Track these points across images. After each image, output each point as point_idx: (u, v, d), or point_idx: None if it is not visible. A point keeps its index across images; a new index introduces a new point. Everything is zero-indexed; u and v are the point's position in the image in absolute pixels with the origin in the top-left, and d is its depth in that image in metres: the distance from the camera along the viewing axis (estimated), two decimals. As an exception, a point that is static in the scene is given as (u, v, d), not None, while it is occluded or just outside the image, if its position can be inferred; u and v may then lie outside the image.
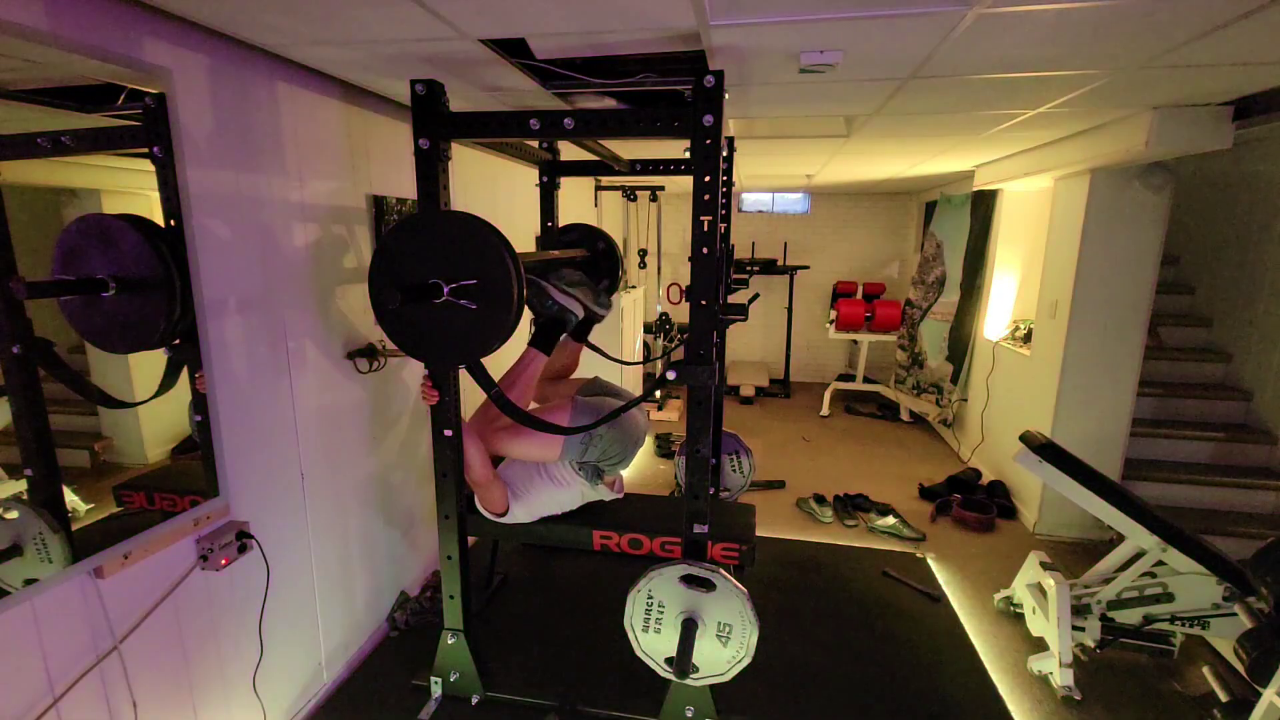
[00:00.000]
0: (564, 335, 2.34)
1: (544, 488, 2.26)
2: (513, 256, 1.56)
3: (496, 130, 1.73)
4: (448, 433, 1.88)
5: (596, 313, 2.33)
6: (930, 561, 3.09)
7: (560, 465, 2.24)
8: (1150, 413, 3.62)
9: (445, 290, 1.57)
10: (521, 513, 2.28)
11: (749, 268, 5.94)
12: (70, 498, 1.31)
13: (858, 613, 2.65)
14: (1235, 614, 2.08)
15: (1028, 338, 3.78)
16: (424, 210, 1.71)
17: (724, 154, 2.25)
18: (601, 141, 2.67)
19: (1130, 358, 3.16)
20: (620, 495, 2.44)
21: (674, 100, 2.08)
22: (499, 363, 1.98)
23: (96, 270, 1.34)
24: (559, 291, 2.18)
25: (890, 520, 3.41)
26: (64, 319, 1.35)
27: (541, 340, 2.17)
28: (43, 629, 1.24)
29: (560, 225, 2.84)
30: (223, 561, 1.59)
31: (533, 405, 2.30)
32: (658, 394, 5.34)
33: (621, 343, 4.62)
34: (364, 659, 2.31)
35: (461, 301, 1.58)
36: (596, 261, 2.74)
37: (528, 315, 2.59)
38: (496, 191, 3.24)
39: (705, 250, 1.63)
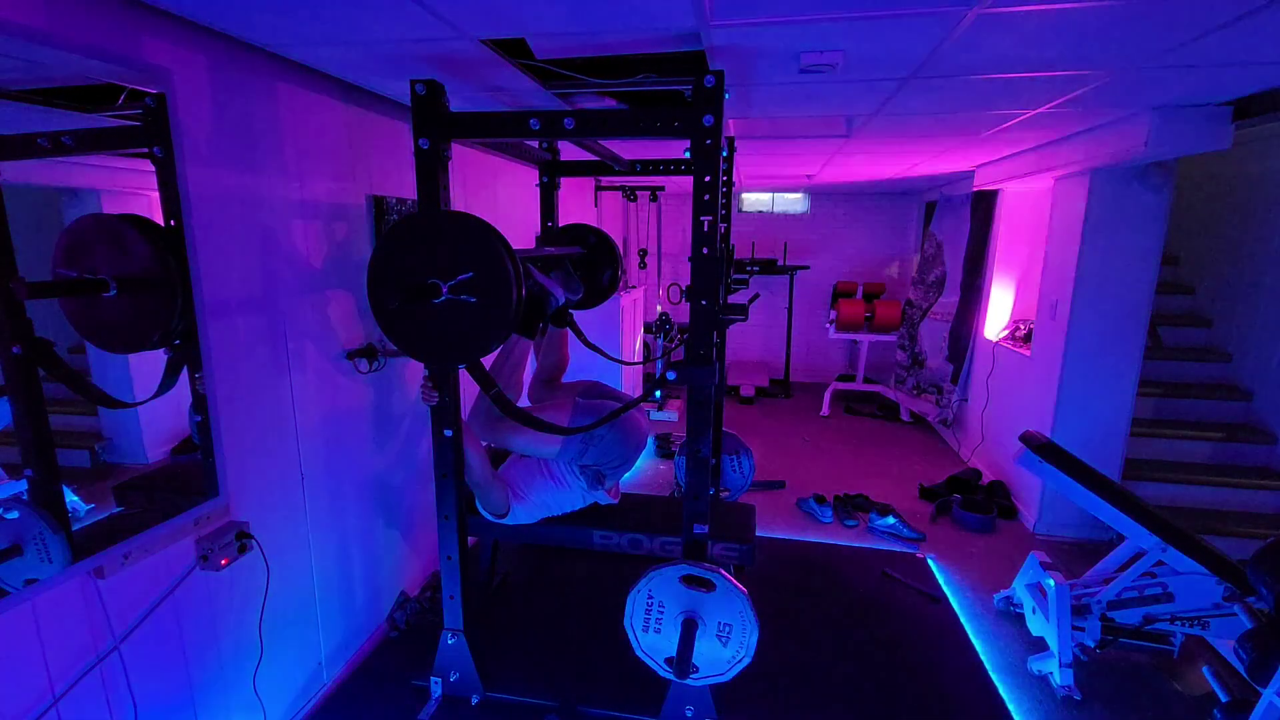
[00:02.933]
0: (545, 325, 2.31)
1: (546, 488, 2.25)
2: (511, 256, 1.57)
3: (496, 130, 1.73)
4: (448, 433, 1.88)
5: (569, 297, 2.32)
6: (930, 561, 3.09)
7: (561, 465, 2.23)
8: (1150, 413, 3.62)
9: (444, 290, 1.57)
10: (523, 513, 2.27)
11: (749, 268, 5.94)
12: (70, 498, 1.31)
13: (858, 613, 2.65)
14: (1235, 614, 2.08)
15: (1028, 338, 3.78)
16: (422, 212, 1.71)
17: (724, 154, 2.25)
18: (601, 141, 2.67)
19: (1130, 358, 3.16)
20: (615, 501, 2.43)
21: (674, 100, 2.08)
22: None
23: (98, 270, 1.34)
24: (540, 274, 2.15)
25: (890, 520, 3.41)
26: (65, 319, 1.35)
27: (520, 325, 2.11)
28: (43, 629, 1.24)
29: (560, 226, 2.84)
30: (223, 561, 1.59)
31: (525, 404, 2.27)
32: (658, 394, 5.34)
33: (621, 343, 4.62)
34: (364, 659, 2.31)
35: (461, 297, 1.58)
36: (593, 256, 2.73)
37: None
38: (497, 191, 3.24)
39: (705, 250, 1.63)
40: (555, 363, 2.56)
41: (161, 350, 1.48)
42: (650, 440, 4.71)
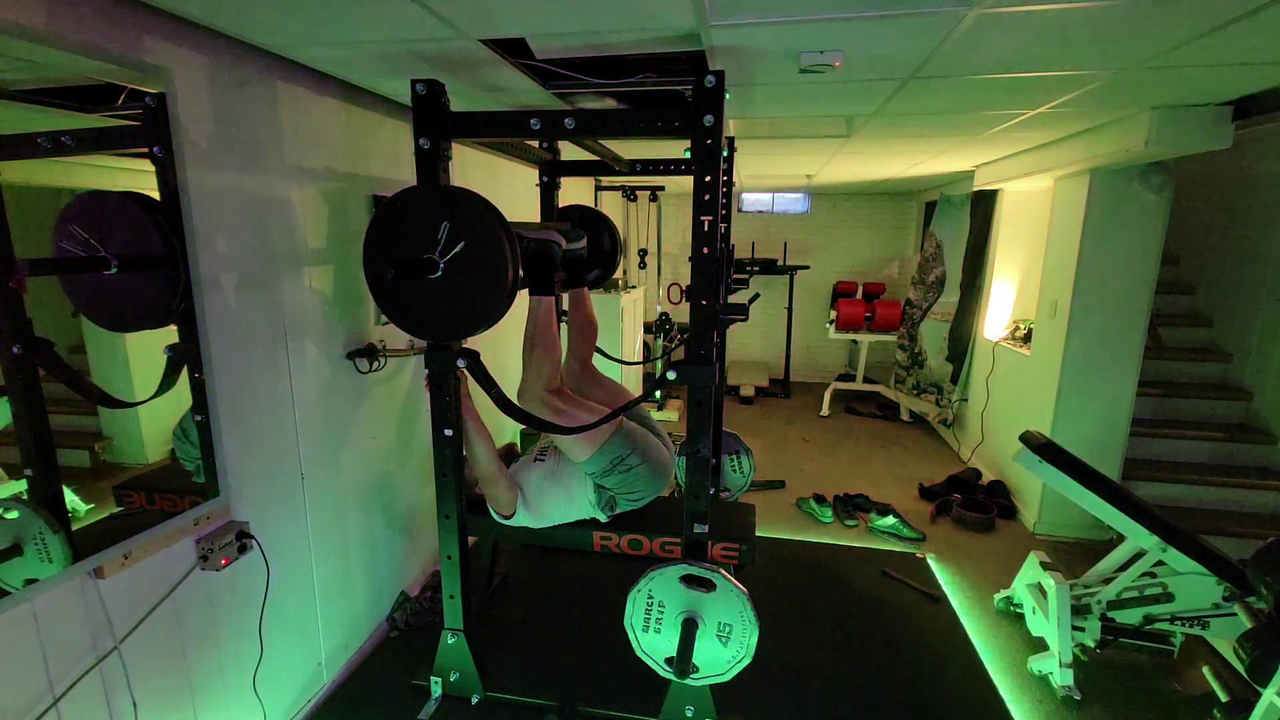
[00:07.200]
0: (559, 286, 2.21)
1: (556, 500, 2.21)
2: (505, 227, 1.57)
3: (496, 130, 1.73)
4: (448, 432, 1.88)
5: (572, 245, 2.27)
6: (930, 561, 3.09)
7: (578, 477, 2.18)
8: (1150, 413, 3.62)
9: (440, 265, 1.57)
10: (529, 520, 2.24)
11: (749, 268, 5.94)
12: (70, 498, 1.31)
13: (858, 613, 2.65)
14: (1235, 614, 2.08)
15: (1028, 338, 3.78)
16: (415, 187, 1.70)
17: (724, 154, 2.25)
18: (602, 141, 2.67)
19: (1130, 358, 3.16)
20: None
21: (674, 100, 2.08)
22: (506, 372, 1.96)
23: (99, 248, 1.33)
24: (529, 232, 2.09)
25: (890, 520, 3.41)
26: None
27: (536, 284, 2.03)
28: (43, 629, 1.24)
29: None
30: (223, 561, 1.59)
31: (564, 407, 2.15)
32: (658, 394, 5.34)
33: (622, 343, 4.62)
34: (364, 659, 2.31)
35: (452, 262, 1.57)
36: (582, 225, 2.70)
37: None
38: (497, 191, 3.24)
39: (705, 250, 1.63)
40: (582, 326, 2.48)
41: (162, 350, 1.48)
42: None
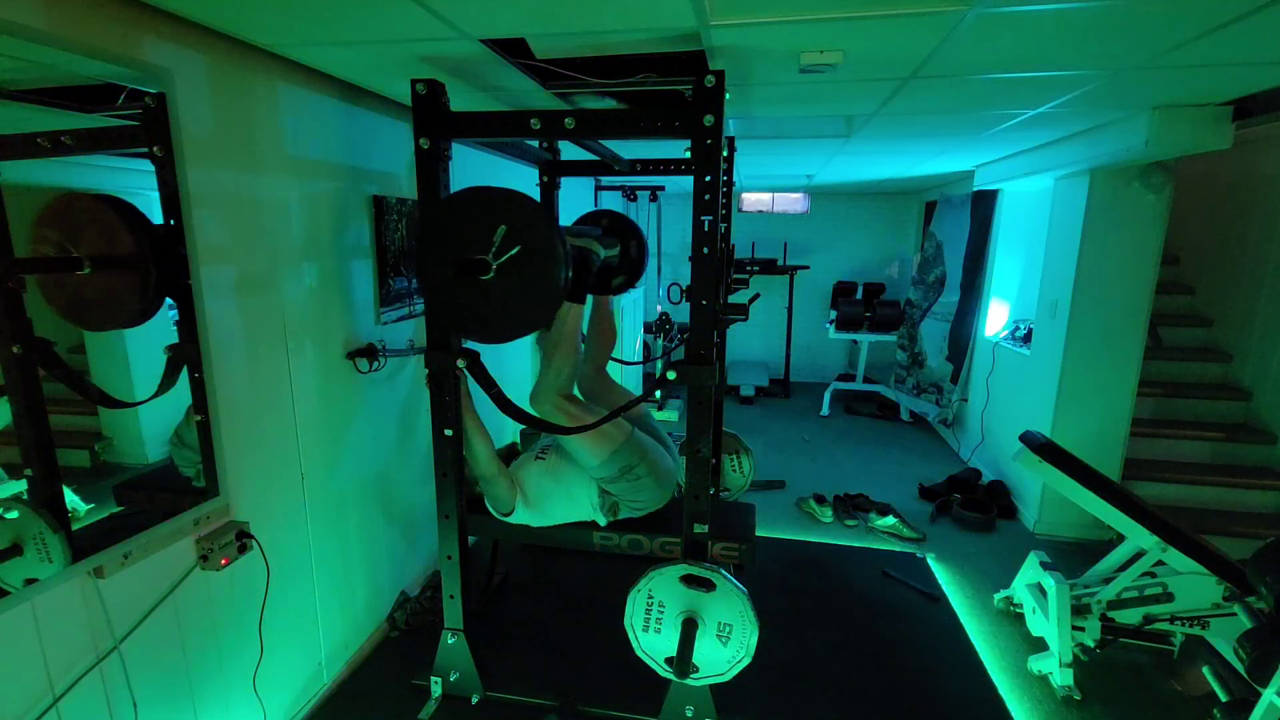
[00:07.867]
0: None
1: (557, 501, 2.20)
2: (560, 235, 1.58)
3: (497, 130, 1.73)
4: (448, 432, 1.88)
5: (607, 254, 2.30)
6: (930, 561, 3.09)
7: (583, 480, 2.18)
8: (1150, 413, 3.62)
9: (493, 267, 1.58)
10: (529, 518, 2.24)
11: (749, 268, 5.94)
12: (70, 498, 1.31)
13: (858, 613, 2.65)
14: (1235, 614, 2.08)
15: (1028, 338, 3.77)
16: (472, 188, 1.71)
17: (724, 154, 2.25)
18: (602, 141, 2.67)
19: (1130, 358, 3.16)
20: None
21: (674, 100, 2.08)
22: (509, 366, 1.96)
23: (70, 250, 1.32)
24: (570, 239, 2.13)
25: (890, 520, 3.41)
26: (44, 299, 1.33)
27: (569, 290, 2.05)
28: (43, 629, 1.24)
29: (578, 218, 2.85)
30: (223, 561, 1.59)
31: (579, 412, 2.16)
32: (658, 394, 5.34)
33: (622, 343, 4.62)
34: (364, 659, 2.31)
35: (509, 270, 1.59)
36: (613, 230, 2.73)
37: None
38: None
39: (705, 250, 1.63)
40: (601, 332, 2.50)
41: (162, 350, 1.48)
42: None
